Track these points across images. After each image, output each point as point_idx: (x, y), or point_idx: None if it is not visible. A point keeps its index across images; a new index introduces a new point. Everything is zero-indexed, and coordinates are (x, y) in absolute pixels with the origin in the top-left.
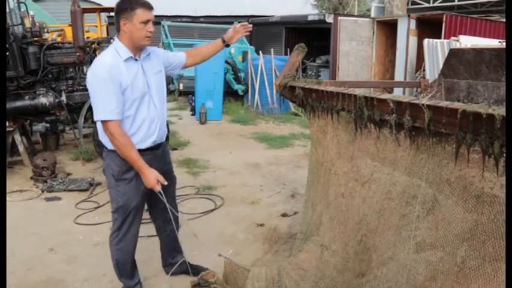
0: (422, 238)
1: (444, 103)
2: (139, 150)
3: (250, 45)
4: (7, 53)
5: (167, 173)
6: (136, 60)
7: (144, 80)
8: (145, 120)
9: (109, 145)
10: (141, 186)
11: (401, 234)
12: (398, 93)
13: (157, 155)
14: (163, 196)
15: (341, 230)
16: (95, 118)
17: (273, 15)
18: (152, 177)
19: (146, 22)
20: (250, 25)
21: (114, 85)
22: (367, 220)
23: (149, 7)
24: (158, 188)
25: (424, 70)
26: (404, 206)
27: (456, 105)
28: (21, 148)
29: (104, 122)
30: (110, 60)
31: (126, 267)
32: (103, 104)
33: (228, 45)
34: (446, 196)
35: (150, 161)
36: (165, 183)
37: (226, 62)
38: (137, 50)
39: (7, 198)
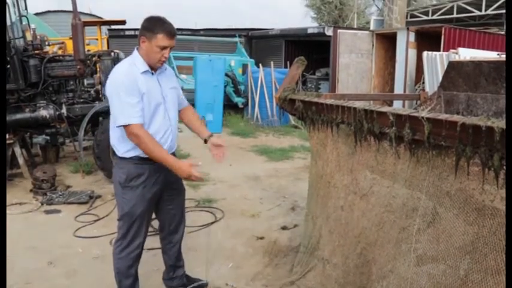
0: (424, 251)
1: (444, 116)
2: (148, 160)
3: (250, 58)
4: (8, 66)
5: (175, 182)
6: (152, 74)
7: (160, 91)
8: (159, 130)
9: (120, 151)
10: (147, 194)
11: (402, 247)
12: (398, 106)
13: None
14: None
15: (341, 243)
16: (117, 124)
17: (272, 28)
18: (185, 166)
19: (163, 48)
20: (222, 159)
21: (134, 90)
22: (366, 233)
23: (172, 34)
24: (195, 177)
25: (423, 82)
26: (405, 219)
27: (455, 118)
28: (21, 161)
29: (126, 127)
30: (127, 69)
31: (127, 279)
32: (123, 109)
33: (205, 142)
34: (446, 209)
35: (157, 170)
36: (203, 178)
37: (226, 74)
38: (151, 67)
39: (7, 211)
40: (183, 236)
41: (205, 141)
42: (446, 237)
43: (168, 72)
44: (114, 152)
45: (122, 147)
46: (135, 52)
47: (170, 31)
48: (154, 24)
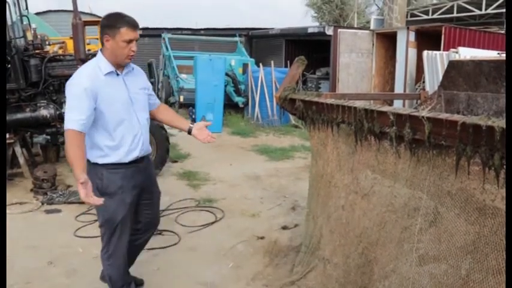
0: (425, 251)
1: (444, 115)
2: (123, 164)
3: (251, 57)
4: (9, 66)
5: (150, 186)
6: (118, 75)
7: (127, 94)
8: (128, 134)
9: (91, 157)
10: (127, 199)
11: (404, 247)
12: (398, 105)
13: (141, 168)
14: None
15: (341, 242)
16: (64, 128)
17: (273, 28)
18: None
19: (129, 41)
20: (214, 139)
21: (87, 97)
22: (368, 233)
23: (134, 26)
24: (93, 201)
25: (423, 82)
26: (406, 219)
27: (456, 117)
28: (21, 160)
29: (65, 131)
30: (89, 72)
31: (120, 283)
32: (70, 114)
33: (189, 132)
34: (448, 208)
35: (133, 174)
36: (100, 202)
37: (227, 74)
38: (119, 66)
39: (7, 211)
40: (151, 234)
41: (189, 132)
42: (448, 236)
43: (136, 72)
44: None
45: (92, 153)
46: (99, 54)
47: (133, 23)
48: (115, 20)
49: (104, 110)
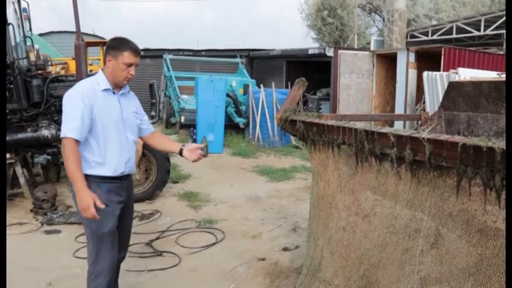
0: (427, 273)
1: (444, 137)
2: (109, 178)
3: (251, 78)
4: (11, 86)
5: (130, 206)
6: (114, 93)
7: (120, 111)
8: (115, 150)
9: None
10: (115, 211)
11: (405, 269)
12: (398, 126)
13: (124, 186)
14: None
15: (343, 264)
16: (60, 136)
17: (273, 49)
18: (89, 199)
19: (130, 65)
20: (203, 157)
21: (85, 107)
22: (369, 254)
23: (136, 52)
24: (90, 214)
25: (424, 102)
26: (407, 240)
27: (456, 138)
28: (22, 180)
29: (62, 139)
30: (87, 85)
31: None
32: (67, 122)
33: (181, 154)
34: (449, 230)
35: (117, 189)
36: (97, 217)
37: (228, 95)
38: (116, 86)
39: (6, 232)
40: (124, 256)
41: (181, 154)
42: (450, 258)
43: (130, 96)
44: None
45: (82, 164)
46: (100, 71)
47: (135, 49)
48: (120, 43)
49: (97, 123)
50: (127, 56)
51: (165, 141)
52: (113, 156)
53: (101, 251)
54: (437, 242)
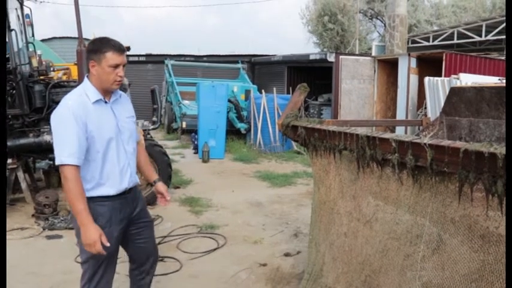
0: (429, 278)
1: (446, 142)
2: (111, 197)
3: (253, 84)
4: (13, 92)
5: (142, 217)
6: (106, 102)
7: (115, 122)
8: (115, 166)
9: None
10: (114, 233)
11: (407, 275)
12: (400, 132)
13: (129, 200)
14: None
15: (344, 270)
16: (56, 163)
17: (275, 55)
18: (95, 235)
19: (116, 66)
20: (168, 200)
21: (78, 126)
22: (370, 260)
23: (120, 50)
24: (95, 251)
25: (425, 108)
26: (409, 246)
27: (458, 144)
28: (23, 185)
29: (60, 166)
30: (76, 100)
31: None
32: (62, 146)
33: (151, 185)
34: (451, 235)
35: (121, 206)
36: (104, 253)
37: (229, 100)
38: (107, 93)
39: (8, 237)
40: (154, 269)
41: (152, 184)
42: (452, 264)
43: (123, 100)
44: None
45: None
46: (86, 80)
47: (119, 47)
48: (100, 44)
49: (93, 140)
50: (110, 57)
51: (145, 165)
52: (114, 173)
53: (95, 276)
54: (439, 247)
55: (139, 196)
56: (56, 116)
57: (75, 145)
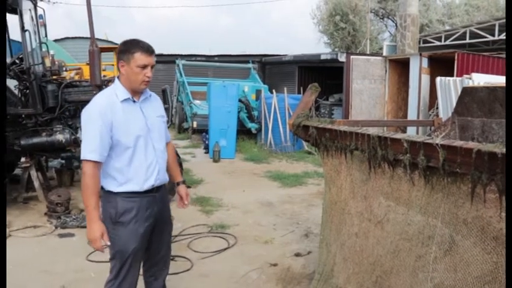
0: (441, 280)
1: (458, 143)
2: (138, 193)
3: (264, 83)
4: (27, 91)
5: (166, 218)
6: (134, 102)
7: (144, 121)
8: (142, 163)
9: (106, 186)
10: (139, 230)
11: (418, 276)
12: (411, 132)
13: (157, 198)
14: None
15: (355, 270)
16: (81, 157)
17: (286, 54)
18: (98, 233)
19: (144, 67)
20: (186, 204)
21: (103, 125)
22: (382, 261)
23: (149, 51)
24: (96, 247)
25: (437, 108)
26: (421, 247)
27: (471, 144)
28: (36, 184)
29: (82, 161)
30: (105, 100)
31: None
32: (86, 143)
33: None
34: (463, 237)
35: (148, 204)
36: (104, 250)
37: (240, 100)
38: (135, 92)
39: (21, 234)
40: (167, 270)
41: (177, 184)
42: (464, 266)
43: (153, 99)
44: (102, 186)
45: (107, 181)
46: (116, 80)
47: (147, 48)
48: (130, 45)
49: (120, 138)
50: (139, 57)
51: (172, 164)
52: (141, 170)
53: (122, 269)
54: (451, 249)
55: (167, 196)
56: (84, 114)
57: (98, 142)
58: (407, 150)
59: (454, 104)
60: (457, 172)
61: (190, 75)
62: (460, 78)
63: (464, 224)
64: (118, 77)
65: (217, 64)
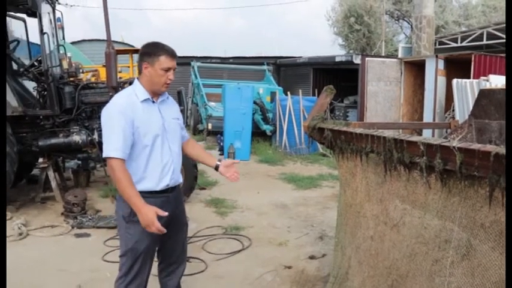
0: (458, 285)
1: (476, 146)
2: (153, 192)
3: (278, 85)
4: (45, 93)
5: (180, 218)
6: (153, 102)
7: (161, 121)
8: (158, 162)
9: None
10: None
11: (435, 280)
12: (427, 135)
13: (171, 199)
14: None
15: (370, 274)
16: (103, 155)
17: (300, 56)
18: (150, 214)
19: (167, 70)
20: (237, 176)
21: (126, 123)
22: (397, 264)
23: (173, 55)
24: (155, 229)
25: (453, 110)
26: (437, 251)
27: (489, 147)
28: (53, 184)
29: (107, 159)
30: (125, 99)
31: None
32: (109, 141)
33: (216, 169)
34: (481, 241)
35: (162, 204)
36: (164, 230)
37: (255, 102)
38: (155, 94)
39: (38, 234)
40: (182, 270)
41: (216, 168)
42: (482, 271)
43: (170, 101)
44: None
45: None
46: (136, 81)
47: (172, 52)
48: (155, 48)
49: (140, 136)
50: (164, 61)
51: (202, 153)
52: (157, 169)
53: (132, 268)
54: (468, 253)
55: (181, 197)
56: (105, 113)
57: (121, 140)
58: (424, 153)
59: (471, 107)
60: (475, 175)
61: (205, 77)
62: (477, 80)
63: (482, 228)
64: (138, 78)
65: (232, 66)
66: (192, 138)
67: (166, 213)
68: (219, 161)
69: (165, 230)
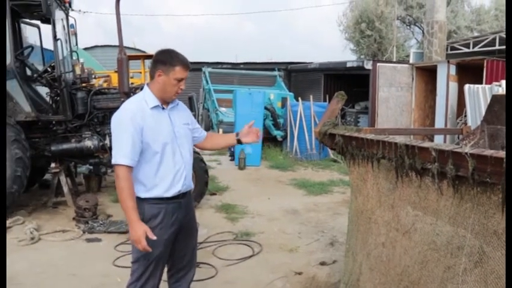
0: None
1: (489, 152)
2: (165, 199)
3: (289, 91)
4: (57, 98)
5: (191, 224)
6: (163, 109)
7: (171, 128)
8: (170, 169)
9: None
10: (164, 236)
11: (447, 287)
12: (439, 141)
13: (182, 204)
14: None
15: (382, 280)
16: (112, 162)
17: (311, 62)
18: (140, 232)
19: (180, 80)
20: (258, 135)
21: (135, 130)
22: (409, 271)
23: (187, 66)
24: (141, 247)
25: (465, 116)
26: (449, 258)
27: (501, 154)
28: (65, 189)
29: (115, 166)
30: (135, 106)
31: None
32: (118, 147)
33: (240, 142)
34: (494, 248)
35: (174, 210)
36: (149, 250)
37: (266, 108)
38: (165, 101)
39: (50, 238)
40: (192, 276)
41: (239, 141)
42: (495, 278)
43: (180, 107)
44: None
45: (136, 187)
46: (146, 88)
47: (186, 63)
48: (171, 57)
49: (149, 143)
50: (179, 71)
51: (220, 139)
52: (169, 176)
53: (143, 274)
54: (481, 260)
55: (192, 202)
56: (115, 119)
57: (129, 147)
58: (436, 159)
59: (483, 112)
60: (487, 182)
61: (216, 83)
62: (489, 85)
63: (495, 235)
64: (147, 84)
65: (243, 72)
66: (209, 132)
67: (155, 237)
68: (237, 135)
69: (150, 249)
